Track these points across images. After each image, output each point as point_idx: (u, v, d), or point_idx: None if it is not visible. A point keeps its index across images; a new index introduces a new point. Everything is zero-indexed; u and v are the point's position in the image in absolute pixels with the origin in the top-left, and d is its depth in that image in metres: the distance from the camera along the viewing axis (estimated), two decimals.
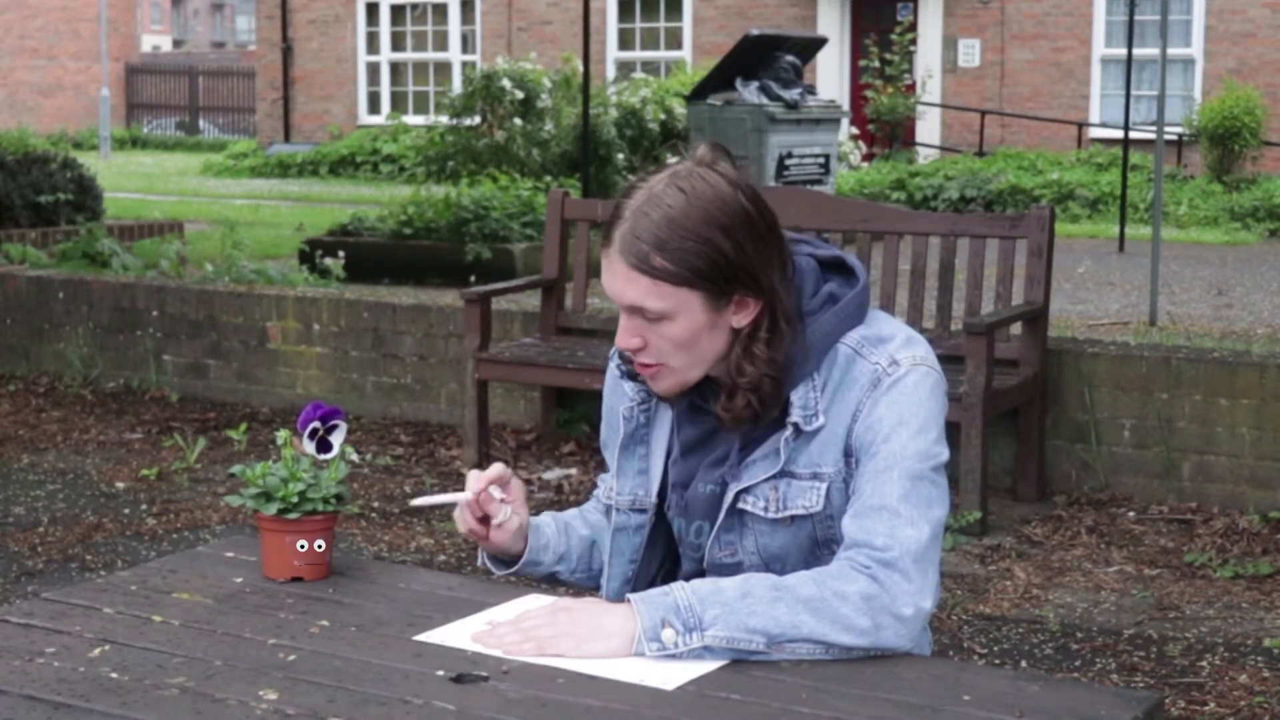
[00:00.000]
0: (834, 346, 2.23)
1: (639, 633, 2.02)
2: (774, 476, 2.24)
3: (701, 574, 2.33)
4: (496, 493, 2.33)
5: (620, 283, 2.15)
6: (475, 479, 2.33)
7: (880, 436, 2.18)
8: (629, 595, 2.08)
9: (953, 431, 5.62)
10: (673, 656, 2.02)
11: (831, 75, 22.53)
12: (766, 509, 2.25)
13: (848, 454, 2.22)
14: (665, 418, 2.36)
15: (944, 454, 2.21)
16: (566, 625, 2.04)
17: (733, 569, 2.28)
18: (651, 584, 2.38)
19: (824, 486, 2.22)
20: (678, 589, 2.06)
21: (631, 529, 2.38)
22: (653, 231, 2.12)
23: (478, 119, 19.78)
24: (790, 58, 13.74)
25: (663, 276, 2.13)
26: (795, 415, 2.22)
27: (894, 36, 21.50)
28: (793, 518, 2.24)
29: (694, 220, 2.12)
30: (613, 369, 2.41)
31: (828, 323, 2.22)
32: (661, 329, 2.17)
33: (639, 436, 2.37)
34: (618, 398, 2.40)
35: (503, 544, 2.39)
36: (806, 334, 2.22)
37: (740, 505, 2.26)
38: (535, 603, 2.18)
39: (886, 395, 2.19)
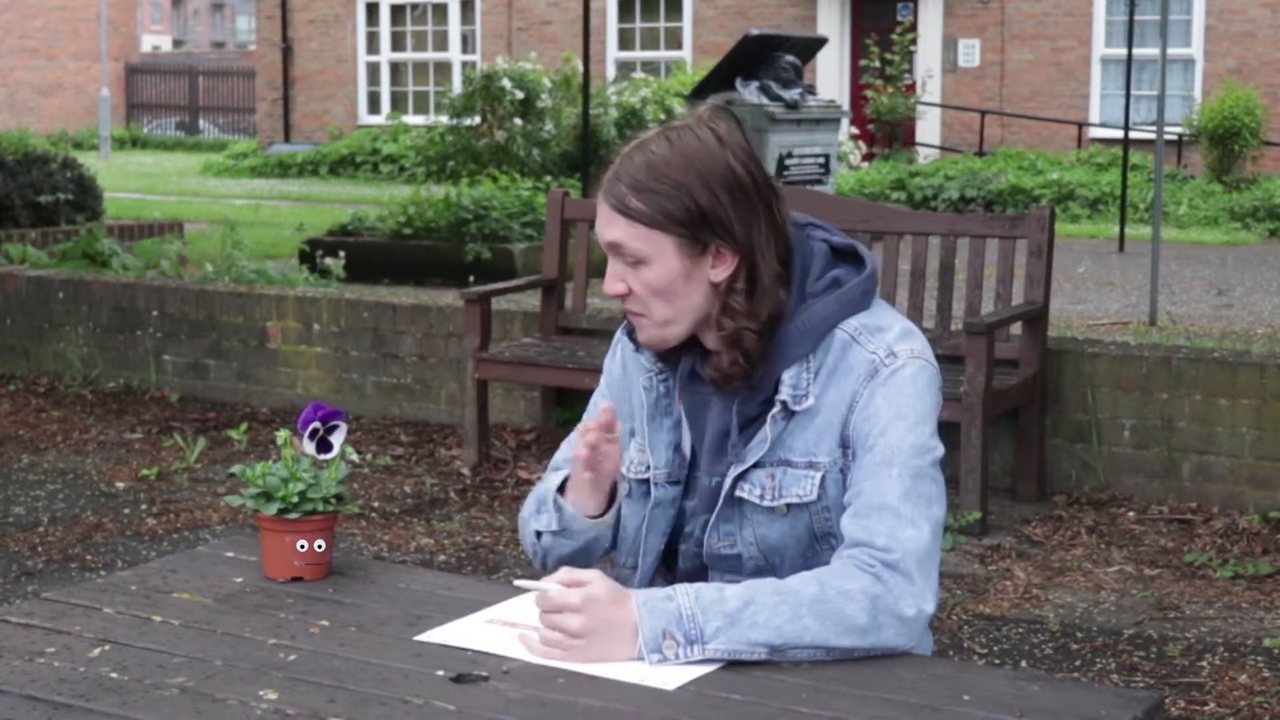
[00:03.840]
0: (832, 332, 2.24)
1: (640, 643, 2.02)
2: (772, 464, 2.24)
3: (702, 569, 2.33)
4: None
5: (602, 223, 2.24)
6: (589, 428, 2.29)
7: (877, 429, 2.18)
8: (635, 598, 2.06)
9: (953, 431, 5.65)
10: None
11: (831, 75, 22.53)
12: (763, 496, 2.26)
13: (844, 444, 2.22)
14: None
15: (940, 448, 2.22)
16: (579, 643, 2.03)
17: (731, 561, 2.29)
18: (671, 556, 2.39)
19: (818, 475, 2.23)
20: (682, 594, 2.06)
21: (667, 502, 2.36)
22: (632, 174, 2.21)
23: (478, 119, 19.79)
24: (790, 58, 13.73)
25: (637, 218, 2.20)
26: (784, 394, 2.23)
27: (894, 36, 21.50)
28: (788, 506, 2.25)
29: (672, 167, 2.19)
30: (628, 342, 2.41)
31: (828, 306, 2.24)
32: (641, 274, 2.22)
33: (663, 407, 2.36)
34: (635, 371, 2.40)
35: (604, 480, 2.34)
36: (805, 315, 2.23)
37: (738, 493, 2.27)
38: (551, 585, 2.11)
39: (884, 387, 2.20)
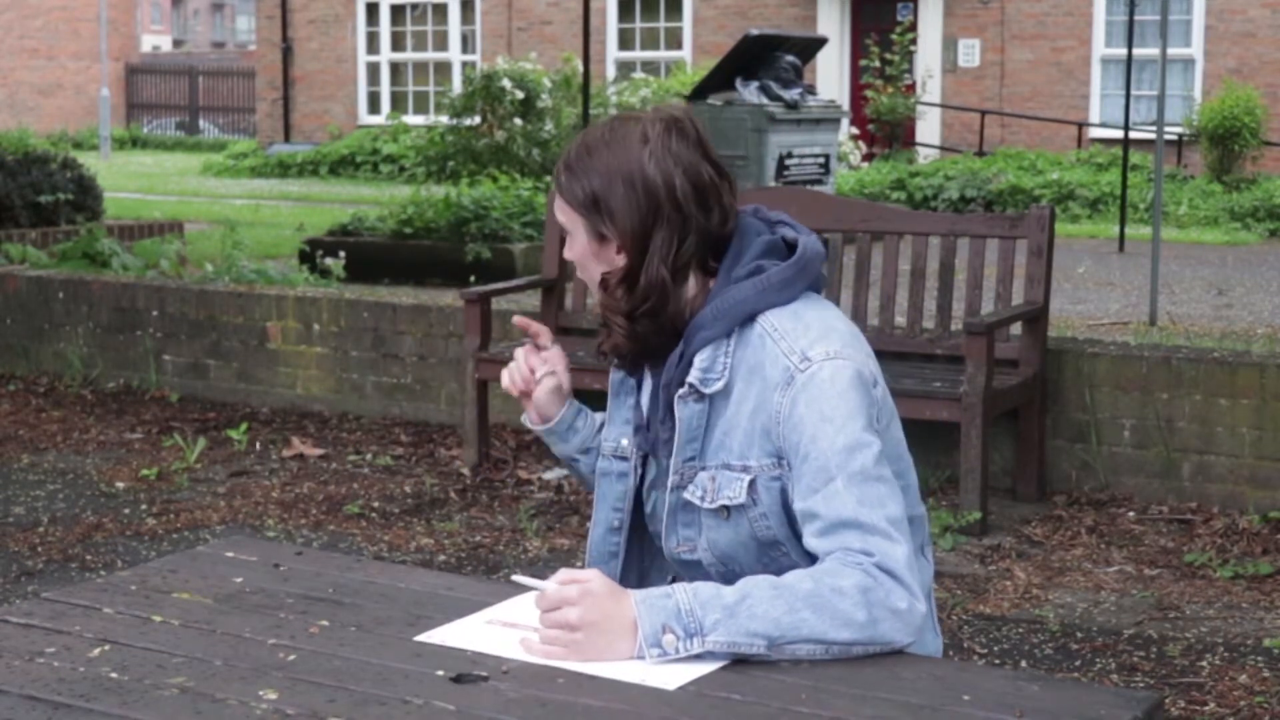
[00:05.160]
0: (751, 324, 2.26)
1: (640, 639, 2.03)
2: (714, 466, 2.28)
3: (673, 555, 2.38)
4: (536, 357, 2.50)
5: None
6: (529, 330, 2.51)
7: (806, 438, 2.19)
8: (633, 595, 2.07)
9: (953, 431, 5.65)
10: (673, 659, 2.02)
11: (831, 75, 22.53)
12: (703, 498, 2.29)
13: (779, 456, 2.23)
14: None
15: (876, 443, 2.20)
16: (578, 637, 2.04)
17: (694, 568, 2.32)
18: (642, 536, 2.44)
19: (748, 479, 2.25)
20: (680, 591, 2.07)
21: (614, 475, 2.44)
22: (569, 153, 2.32)
23: (478, 119, 19.80)
24: (790, 58, 13.73)
25: (561, 192, 2.32)
26: (694, 375, 2.26)
27: (894, 36, 21.50)
28: (727, 510, 2.28)
29: (595, 156, 2.28)
30: None
31: (743, 290, 2.26)
32: (571, 244, 2.33)
33: (628, 386, 2.43)
34: None
35: (542, 401, 2.51)
36: (720, 298, 2.26)
37: (686, 496, 2.31)
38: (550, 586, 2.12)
39: (804, 394, 2.20)
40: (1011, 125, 22.15)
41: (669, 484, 2.32)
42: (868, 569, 2.10)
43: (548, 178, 16.81)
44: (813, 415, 2.18)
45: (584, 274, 2.34)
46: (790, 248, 2.31)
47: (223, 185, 22.78)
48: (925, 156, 21.35)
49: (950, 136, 22.48)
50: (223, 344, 7.59)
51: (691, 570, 2.33)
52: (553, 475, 6.23)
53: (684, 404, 2.27)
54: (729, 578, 2.21)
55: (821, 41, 15.33)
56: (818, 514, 2.17)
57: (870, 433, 2.19)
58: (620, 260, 2.27)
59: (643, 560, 2.46)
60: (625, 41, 25.03)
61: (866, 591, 2.07)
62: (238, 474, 6.32)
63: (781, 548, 2.26)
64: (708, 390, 2.26)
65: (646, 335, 2.29)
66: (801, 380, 2.20)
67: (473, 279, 10.14)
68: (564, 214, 2.31)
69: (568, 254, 2.34)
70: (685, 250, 2.25)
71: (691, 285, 2.28)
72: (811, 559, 2.18)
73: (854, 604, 2.06)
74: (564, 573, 2.10)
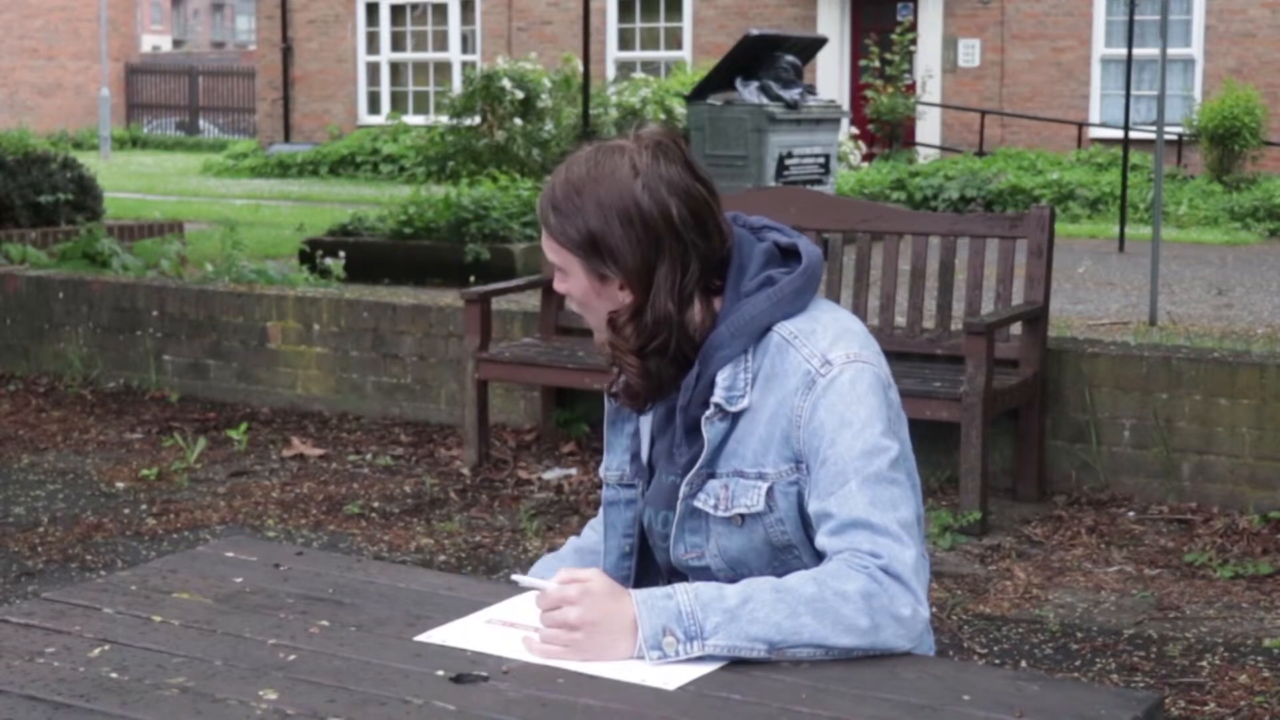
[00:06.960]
0: (768, 334, 2.24)
1: (640, 641, 2.03)
2: (726, 474, 2.26)
3: (672, 567, 2.36)
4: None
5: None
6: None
7: (825, 441, 2.18)
8: (634, 595, 2.07)
9: (953, 431, 5.64)
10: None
11: (831, 75, 22.53)
12: (717, 506, 2.27)
13: (797, 459, 2.22)
14: None
15: (894, 447, 2.19)
16: (578, 636, 2.04)
17: (701, 574, 2.30)
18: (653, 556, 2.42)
19: (765, 486, 2.24)
20: (681, 592, 2.06)
21: (623, 503, 2.42)
22: (553, 191, 2.26)
23: (478, 119, 19.81)
24: (790, 58, 13.72)
25: (551, 233, 2.26)
26: (718, 395, 2.24)
27: (894, 36, 21.50)
28: (742, 517, 2.26)
29: (583, 193, 2.22)
30: None
31: (759, 304, 2.24)
32: (566, 282, 2.28)
33: (626, 414, 2.41)
34: None
35: None
36: (735, 315, 2.24)
37: (696, 504, 2.29)
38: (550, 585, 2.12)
39: (824, 398, 2.19)
40: (1011, 125, 22.15)
41: (680, 494, 2.30)
42: (873, 573, 2.09)
43: (548, 177, 16.82)
44: (833, 420, 2.18)
45: (586, 313, 2.29)
46: (784, 252, 2.31)
47: (223, 185, 22.77)
48: (925, 156, 21.34)
49: (950, 136, 22.47)
50: (223, 344, 7.59)
51: (697, 576, 2.31)
52: (553, 475, 6.23)
53: (710, 424, 2.25)
54: (736, 581, 2.20)
55: (821, 41, 15.33)
56: (831, 514, 2.16)
57: (889, 436, 2.19)
58: (626, 297, 2.24)
59: (643, 579, 2.46)
60: (625, 41, 25.03)
61: (870, 597, 2.06)
62: (238, 474, 6.32)
63: (794, 551, 2.25)
64: (733, 409, 2.24)
65: (659, 370, 2.26)
66: (822, 384, 2.19)
67: (472, 279, 10.14)
68: (557, 255, 2.26)
69: (560, 287, 2.29)
70: (690, 279, 2.23)
71: (697, 309, 2.25)
72: (822, 560, 2.18)
73: (857, 610, 2.05)
74: (565, 572, 2.10)
